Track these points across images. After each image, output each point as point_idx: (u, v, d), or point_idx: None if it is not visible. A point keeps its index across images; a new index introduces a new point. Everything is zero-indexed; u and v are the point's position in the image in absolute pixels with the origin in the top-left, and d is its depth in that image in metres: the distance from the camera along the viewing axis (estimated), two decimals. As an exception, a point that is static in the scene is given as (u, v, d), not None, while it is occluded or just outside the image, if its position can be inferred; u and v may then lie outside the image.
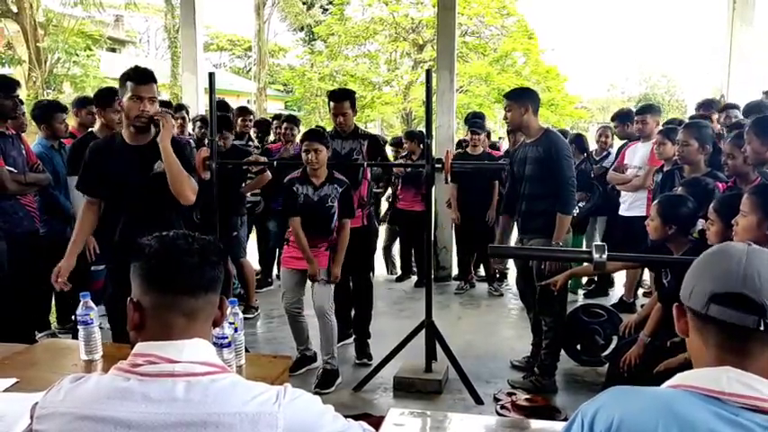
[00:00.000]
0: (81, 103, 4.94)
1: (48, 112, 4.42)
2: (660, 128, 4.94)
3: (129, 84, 2.89)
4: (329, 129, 4.52)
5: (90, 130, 4.34)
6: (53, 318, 4.91)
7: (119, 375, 1.17)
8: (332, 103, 4.31)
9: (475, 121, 6.14)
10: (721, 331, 1.05)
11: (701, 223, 2.98)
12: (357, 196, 4.21)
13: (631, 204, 5.15)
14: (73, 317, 4.38)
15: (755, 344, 1.05)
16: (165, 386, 1.14)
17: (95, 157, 3.02)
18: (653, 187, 4.62)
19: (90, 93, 15.95)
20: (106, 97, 4.18)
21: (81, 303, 2.21)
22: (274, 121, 6.99)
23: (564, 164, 3.69)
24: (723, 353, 1.05)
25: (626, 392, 1.09)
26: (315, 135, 3.87)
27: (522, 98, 3.80)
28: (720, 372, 1.03)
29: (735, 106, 5.36)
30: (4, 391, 1.93)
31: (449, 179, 3.98)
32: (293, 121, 6.04)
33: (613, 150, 6.13)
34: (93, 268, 4.20)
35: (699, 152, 3.74)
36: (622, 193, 5.28)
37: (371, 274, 4.60)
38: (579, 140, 5.97)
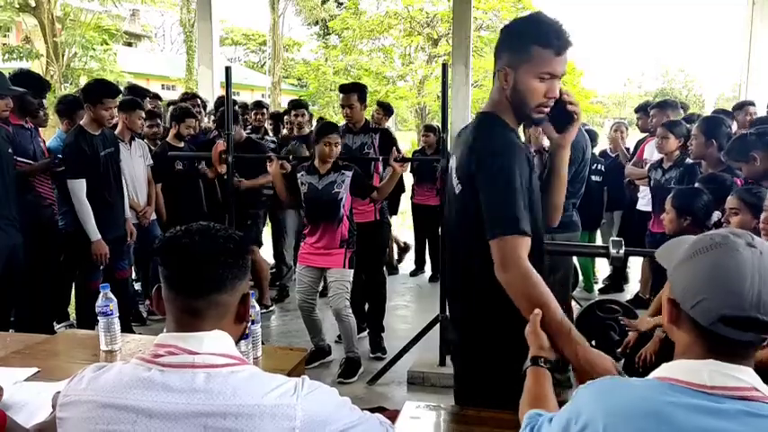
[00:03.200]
0: None
1: (71, 108, 4.44)
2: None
3: (534, 53, 1.72)
4: (342, 123, 4.56)
5: (80, 125, 4.03)
6: (71, 308, 4.96)
7: (140, 365, 1.18)
8: (341, 96, 4.38)
9: None
10: (721, 341, 1.04)
11: (716, 215, 2.96)
12: None
13: (650, 199, 5.11)
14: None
15: (750, 350, 1.06)
16: (186, 377, 1.15)
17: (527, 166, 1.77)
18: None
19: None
20: (96, 93, 3.93)
21: (101, 294, 2.24)
22: (285, 116, 6.94)
23: None
24: (713, 354, 1.05)
25: (611, 390, 1.09)
26: (332, 128, 3.95)
27: None
28: (701, 365, 1.04)
29: (751, 103, 5.33)
30: (25, 380, 1.96)
31: None
32: (302, 105, 5.85)
33: (630, 146, 6.08)
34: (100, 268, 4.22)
35: (706, 146, 3.68)
36: (641, 187, 5.24)
37: (385, 268, 4.61)
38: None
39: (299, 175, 3.97)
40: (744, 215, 2.59)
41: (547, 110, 1.79)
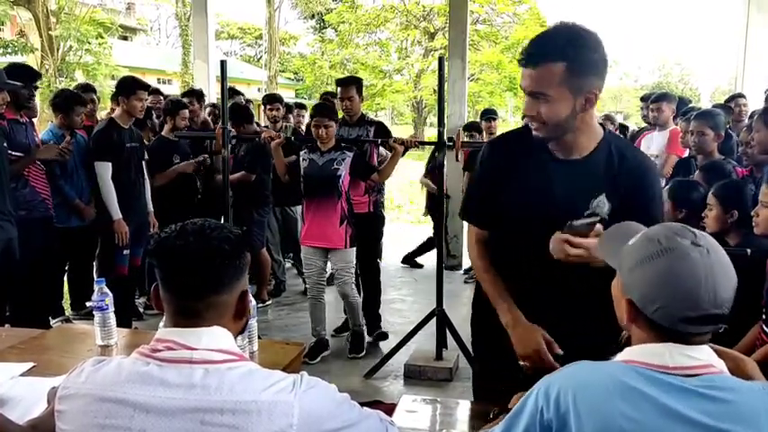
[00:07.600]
0: (83, 90, 4.94)
1: (68, 104, 4.40)
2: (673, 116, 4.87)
3: None
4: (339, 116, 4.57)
5: (111, 117, 4.37)
6: (66, 304, 4.94)
7: (139, 359, 1.18)
8: (339, 89, 4.43)
9: (489, 109, 6.37)
10: (680, 335, 1.10)
11: None
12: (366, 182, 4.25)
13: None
14: (88, 303, 4.42)
15: (704, 336, 1.12)
16: (183, 372, 1.15)
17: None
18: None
19: (102, 81, 16.03)
20: (130, 86, 4.27)
21: (96, 289, 2.22)
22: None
23: None
24: (672, 341, 1.11)
25: (583, 368, 1.15)
26: (324, 110, 4.01)
27: None
28: (664, 348, 1.11)
29: (742, 95, 5.34)
30: (21, 375, 1.95)
31: (459, 157, 3.99)
32: (276, 99, 5.90)
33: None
34: (125, 252, 4.24)
35: (714, 140, 3.67)
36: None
37: (379, 259, 4.64)
38: None
39: (301, 153, 4.07)
40: (717, 210, 2.62)
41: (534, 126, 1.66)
